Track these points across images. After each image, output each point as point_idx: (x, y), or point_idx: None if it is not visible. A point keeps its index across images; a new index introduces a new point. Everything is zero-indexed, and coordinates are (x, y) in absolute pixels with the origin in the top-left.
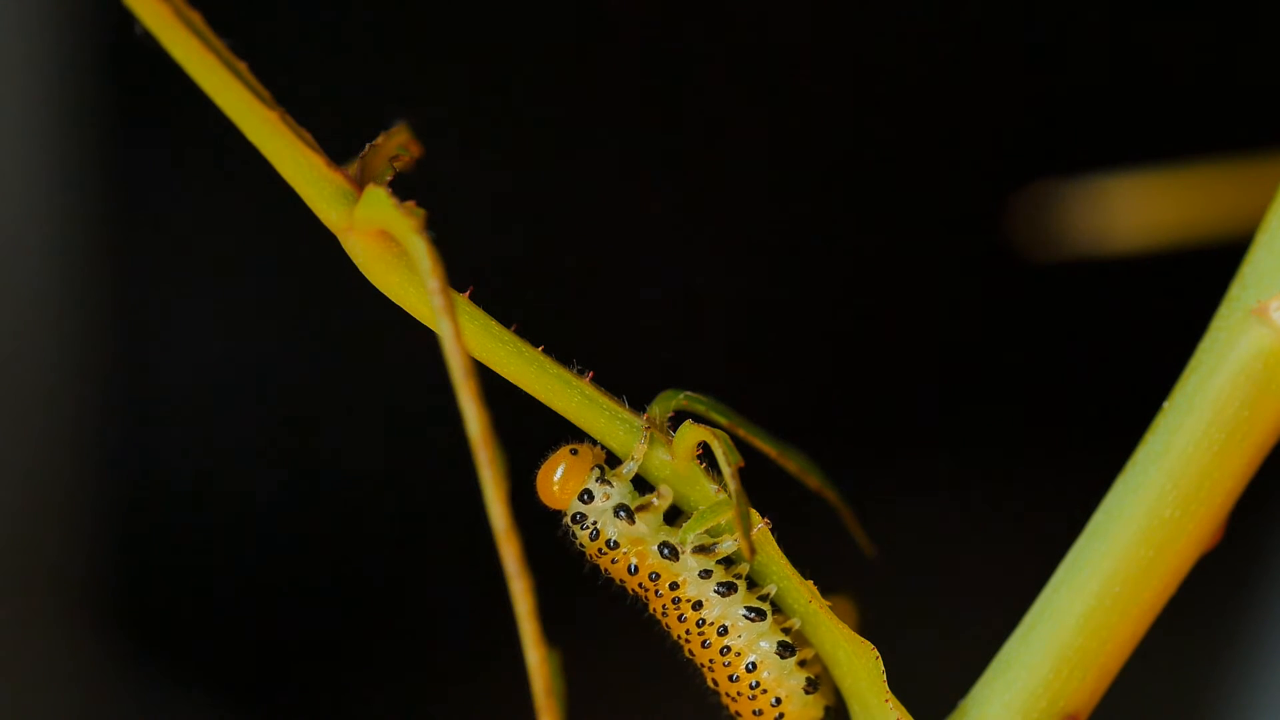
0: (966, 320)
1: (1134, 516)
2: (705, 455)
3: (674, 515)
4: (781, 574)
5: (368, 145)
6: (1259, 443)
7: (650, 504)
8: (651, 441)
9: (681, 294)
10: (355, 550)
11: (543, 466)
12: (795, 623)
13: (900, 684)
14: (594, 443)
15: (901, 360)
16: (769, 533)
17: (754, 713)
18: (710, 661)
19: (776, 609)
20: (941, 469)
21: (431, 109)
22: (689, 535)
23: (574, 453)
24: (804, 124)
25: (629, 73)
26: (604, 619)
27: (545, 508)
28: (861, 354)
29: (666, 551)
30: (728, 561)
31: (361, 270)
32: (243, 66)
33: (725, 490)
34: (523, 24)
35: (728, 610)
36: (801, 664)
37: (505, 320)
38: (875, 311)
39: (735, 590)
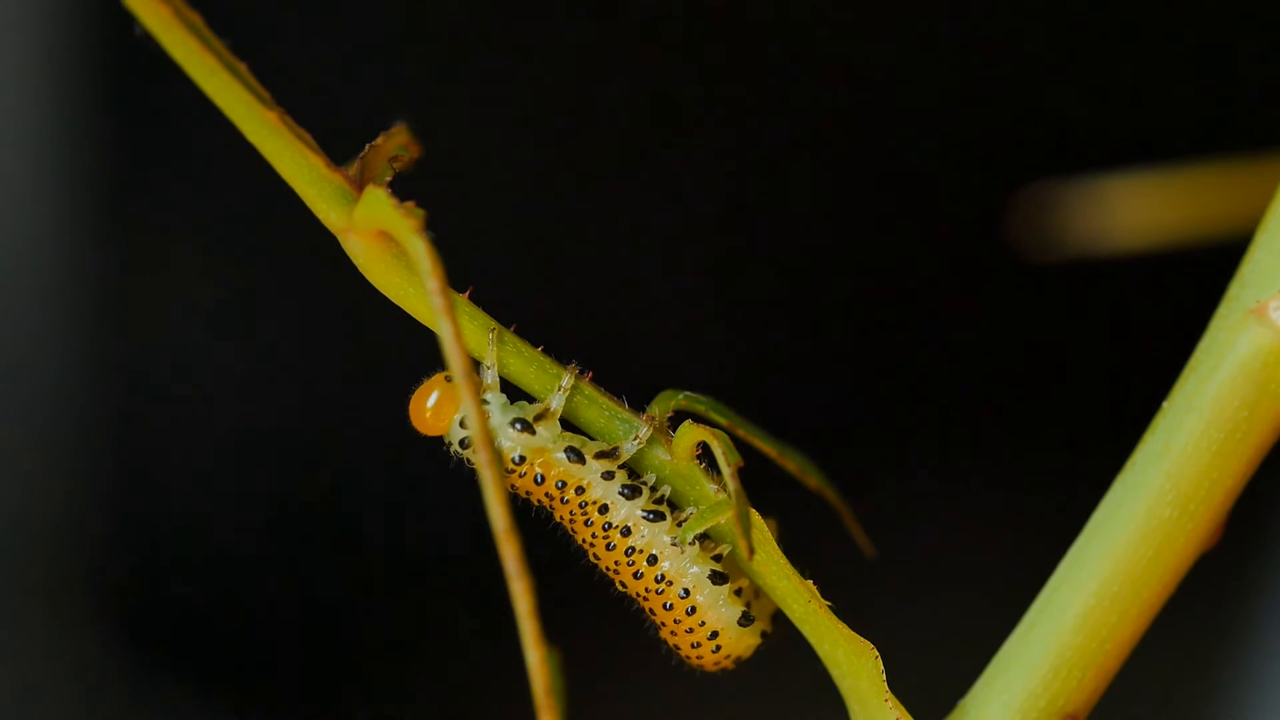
0: (966, 320)
1: (1134, 516)
2: (705, 455)
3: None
4: (781, 574)
5: (367, 145)
6: (1258, 443)
7: (547, 410)
8: (498, 343)
9: (681, 294)
10: (355, 550)
11: (414, 395)
12: (687, 512)
13: (900, 684)
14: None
15: (901, 360)
16: (769, 532)
17: (664, 606)
18: (616, 564)
19: (674, 508)
20: (941, 469)
21: (431, 109)
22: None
23: (449, 380)
24: (804, 125)
25: (629, 72)
26: (603, 618)
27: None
28: (862, 354)
29: (572, 456)
30: (631, 471)
31: (361, 270)
32: (243, 67)
33: (725, 490)
34: (523, 24)
35: (632, 512)
36: (718, 563)
37: (505, 320)
38: (875, 312)
39: (640, 493)
